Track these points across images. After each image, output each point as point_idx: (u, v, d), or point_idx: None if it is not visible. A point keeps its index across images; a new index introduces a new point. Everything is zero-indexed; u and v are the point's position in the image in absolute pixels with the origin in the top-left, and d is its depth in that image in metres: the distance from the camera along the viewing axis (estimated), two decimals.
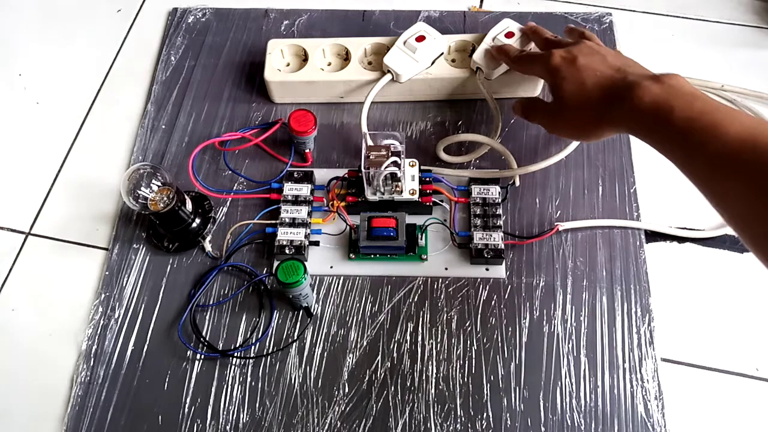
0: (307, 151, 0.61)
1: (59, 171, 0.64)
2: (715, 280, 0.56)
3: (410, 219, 0.56)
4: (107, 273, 0.57)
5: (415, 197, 0.56)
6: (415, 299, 0.55)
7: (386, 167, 0.52)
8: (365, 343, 0.53)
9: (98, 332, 0.54)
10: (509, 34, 0.60)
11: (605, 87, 0.46)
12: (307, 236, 0.56)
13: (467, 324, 0.53)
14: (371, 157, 0.53)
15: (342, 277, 0.56)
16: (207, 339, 0.53)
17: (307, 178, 0.59)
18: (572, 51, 0.50)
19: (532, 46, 0.59)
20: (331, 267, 0.56)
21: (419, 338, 0.53)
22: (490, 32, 0.61)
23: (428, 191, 0.57)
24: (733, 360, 0.52)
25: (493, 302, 0.54)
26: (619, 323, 0.53)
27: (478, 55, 0.60)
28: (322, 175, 0.60)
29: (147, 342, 0.54)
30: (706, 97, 0.41)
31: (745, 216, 0.37)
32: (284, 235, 0.56)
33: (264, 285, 0.56)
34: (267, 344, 0.53)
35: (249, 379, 0.52)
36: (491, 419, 0.50)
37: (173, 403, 0.51)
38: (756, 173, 0.35)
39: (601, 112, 0.46)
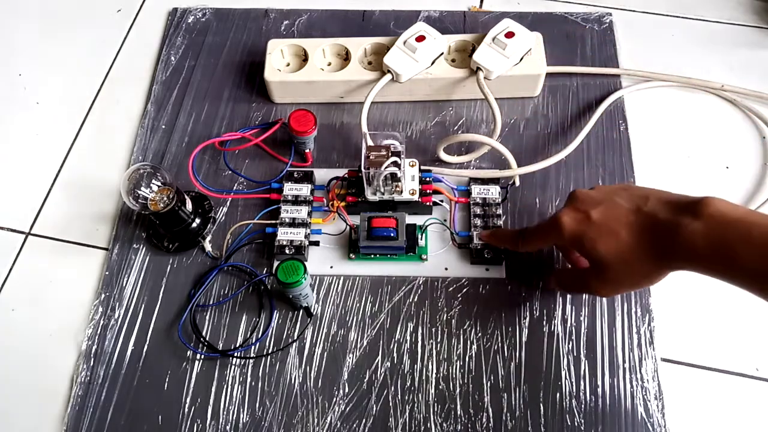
0: (307, 151, 0.61)
1: (59, 171, 0.64)
2: (715, 280, 0.56)
3: (410, 219, 0.56)
4: (107, 273, 0.57)
5: (415, 197, 0.56)
6: (415, 299, 0.55)
7: (386, 167, 0.52)
8: (365, 343, 0.53)
9: (98, 332, 0.54)
10: (509, 34, 0.60)
11: (641, 233, 0.41)
12: (307, 236, 0.56)
13: (467, 324, 0.53)
14: (371, 157, 0.52)
15: (342, 277, 0.56)
16: (207, 339, 0.53)
17: (307, 178, 0.59)
18: (577, 207, 0.45)
19: None
20: (331, 267, 0.56)
21: (419, 338, 0.53)
22: (490, 32, 0.61)
23: (428, 191, 0.57)
24: (733, 360, 0.52)
25: (493, 302, 0.54)
26: (619, 323, 0.53)
27: (478, 55, 0.60)
28: (322, 175, 0.60)
29: (147, 342, 0.54)
30: (757, 217, 0.38)
31: None
32: (284, 235, 0.56)
33: (264, 285, 0.56)
34: (267, 344, 0.53)
35: (249, 379, 0.52)
36: (491, 419, 0.50)
37: (173, 403, 0.51)
38: None
39: (653, 261, 0.41)
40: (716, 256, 0.38)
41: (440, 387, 0.51)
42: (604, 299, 0.54)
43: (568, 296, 0.54)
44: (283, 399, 0.51)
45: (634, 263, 0.42)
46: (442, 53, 0.62)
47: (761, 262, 0.36)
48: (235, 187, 0.61)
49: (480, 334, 0.53)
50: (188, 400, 0.51)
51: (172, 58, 0.70)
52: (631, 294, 0.54)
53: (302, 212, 0.57)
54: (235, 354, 0.53)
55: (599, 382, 0.51)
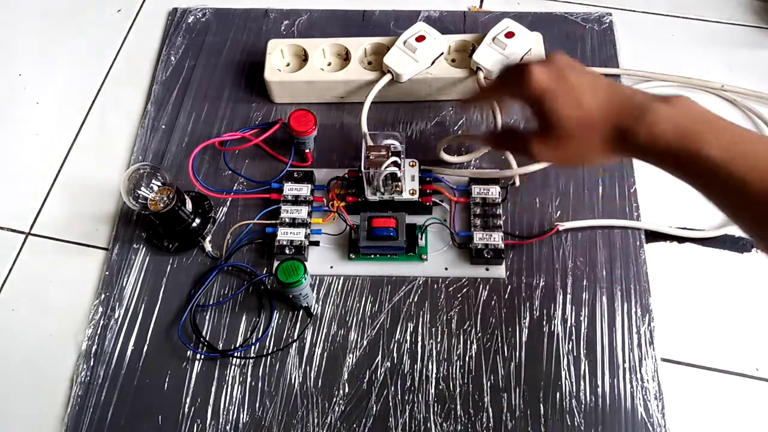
0: (307, 151, 0.61)
1: (59, 171, 0.64)
2: (715, 280, 0.56)
3: (410, 219, 0.56)
4: (107, 273, 0.57)
5: (415, 197, 0.56)
6: (415, 299, 0.55)
7: (386, 167, 0.52)
8: (365, 343, 0.53)
9: (98, 332, 0.54)
10: (509, 34, 0.60)
11: (607, 109, 0.40)
12: (307, 236, 0.56)
13: (467, 324, 0.53)
14: (371, 157, 0.52)
15: (342, 277, 0.56)
16: (207, 339, 0.53)
17: (307, 178, 0.59)
18: (556, 63, 0.42)
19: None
20: (331, 267, 0.56)
21: (419, 338, 0.53)
22: (490, 32, 0.61)
23: (428, 191, 0.57)
24: (733, 360, 0.52)
25: (493, 302, 0.54)
26: (619, 323, 0.53)
27: (478, 55, 0.60)
28: (322, 175, 0.60)
29: (147, 342, 0.54)
30: (729, 122, 0.37)
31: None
32: (284, 235, 0.56)
33: (264, 285, 0.56)
34: (267, 344, 0.53)
35: (249, 379, 0.52)
36: (491, 419, 0.50)
37: (173, 403, 0.51)
38: None
39: (608, 138, 0.40)
40: (681, 143, 0.36)
41: (440, 387, 0.51)
42: (604, 299, 0.54)
43: (569, 296, 0.54)
44: (283, 399, 0.51)
45: (589, 134, 0.40)
46: (442, 53, 0.62)
47: (723, 156, 0.35)
48: (235, 187, 0.61)
49: (480, 334, 0.53)
50: (188, 400, 0.51)
51: (172, 58, 0.70)
52: (631, 294, 0.54)
53: (302, 212, 0.57)
54: (235, 354, 0.53)
55: (599, 382, 0.51)
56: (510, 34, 0.60)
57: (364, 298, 0.55)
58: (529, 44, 0.61)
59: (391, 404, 0.51)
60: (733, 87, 0.65)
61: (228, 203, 0.60)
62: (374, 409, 0.50)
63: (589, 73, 0.42)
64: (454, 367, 0.52)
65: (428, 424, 0.50)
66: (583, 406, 0.50)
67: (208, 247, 0.57)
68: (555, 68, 0.42)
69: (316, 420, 0.50)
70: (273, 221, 0.57)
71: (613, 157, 0.42)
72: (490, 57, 0.60)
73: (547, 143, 0.43)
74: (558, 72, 0.41)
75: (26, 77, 0.71)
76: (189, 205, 0.56)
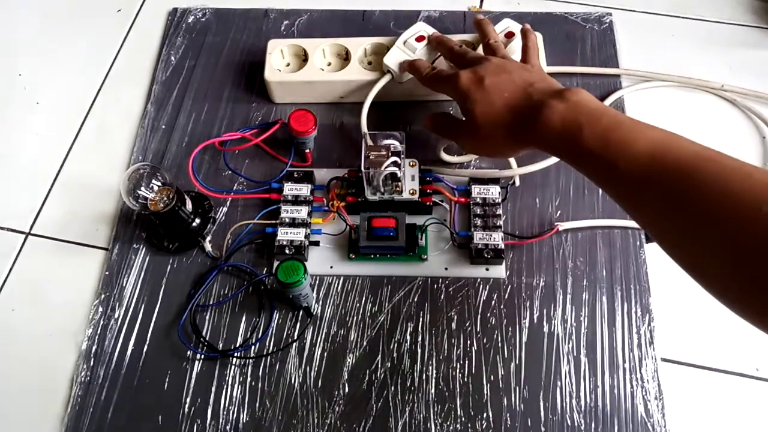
0: (307, 151, 0.61)
1: (59, 171, 0.64)
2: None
3: (410, 219, 0.56)
4: (107, 273, 0.57)
5: (415, 197, 0.56)
6: (415, 299, 0.55)
7: (386, 167, 0.52)
8: (365, 343, 0.53)
9: (98, 332, 0.54)
10: (509, 34, 0.60)
11: (513, 107, 0.47)
12: (307, 236, 0.56)
13: (467, 324, 0.53)
14: (371, 157, 0.52)
15: (342, 277, 0.56)
16: (207, 339, 0.53)
17: (307, 178, 0.59)
18: (478, 71, 0.50)
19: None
20: (331, 267, 0.56)
21: (419, 338, 0.53)
22: (490, 32, 0.61)
23: (428, 191, 0.57)
24: (733, 360, 0.52)
25: (493, 302, 0.54)
26: (619, 323, 0.53)
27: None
28: (322, 175, 0.60)
29: (147, 342, 0.54)
30: (611, 111, 0.42)
31: (661, 228, 0.38)
32: (284, 235, 0.56)
33: (264, 285, 0.56)
34: (267, 344, 0.53)
35: (249, 379, 0.52)
36: (491, 419, 0.50)
37: (173, 403, 0.51)
38: (665, 187, 0.37)
39: (513, 134, 0.47)
40: (565, 133, 0.42)
41: (440, 387, 0.51)
42: (604, 299, 0.54)
43: (569, 296, 0.54)
44: (283, 399, 0.51)
45: (496, 132, 0.48)
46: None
47: (597, 144, 0.40)
48: (235, 187, 0.61)
49: (480, 334, 0.53)
50: (188, 400, 0.51)
51: (172, 58, 0.70)
52: (631, 294, 0.54)
53: (302, 212, 0.57)
54: (235, 354, 0.53)
55: (599, 382, 0.51)
56: (510, 34, 0.60)
57: (364, 298, 0.55)
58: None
59: (391, 404, 0.51)
60: (733, 87, 0.65)
61: (228, 203, 0.60)
62: (374, 409, 0.50)
63: (507, 73, 0.49)
64: (454, 367, 0.52)
65: (428, 424, 0.50)
66: (583, 406, 0.50)
67: (208, 247, 0.57)
68: (477, 75, 0.49)
69: (316, 420, 0.50)
70: (273, 221, 0.57)
71: (520, 149, 0.50)
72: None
73: (468, 135, 0.51)
74: (478, 78, 0.49)
75: (26, 77, 0.71)
76: (189, 205, 0.56)
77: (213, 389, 0.52)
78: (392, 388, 0.51)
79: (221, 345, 0.53)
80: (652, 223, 0.39)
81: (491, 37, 0.56)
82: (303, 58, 0.64)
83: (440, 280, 0.55)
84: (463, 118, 0.51)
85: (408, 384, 0.51)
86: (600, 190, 0.59)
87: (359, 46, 0.64)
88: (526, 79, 0.48)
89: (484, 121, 0.48)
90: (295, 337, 0.53)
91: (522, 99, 0.47)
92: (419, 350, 0.53)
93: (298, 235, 0.56)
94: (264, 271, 0.56)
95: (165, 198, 0.53)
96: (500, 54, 0.54)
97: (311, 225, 0.57)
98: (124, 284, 0.56)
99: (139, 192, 0.53)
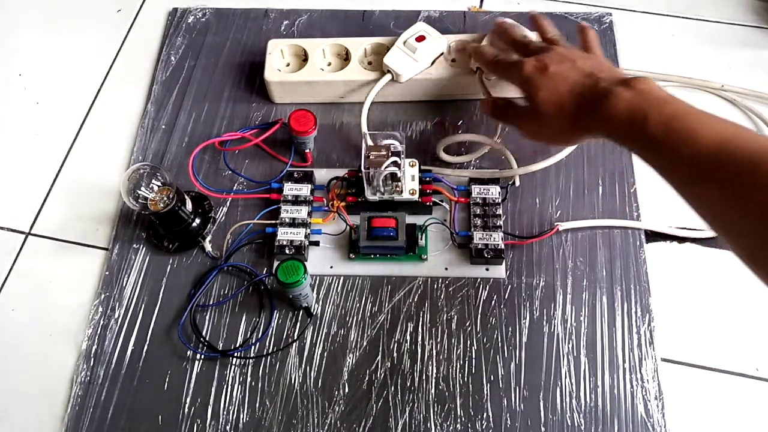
0: (307, 151, 0.61)
1: (59, 171, 0.64)
2: (715, 280, 0.56)
3: (410, 219, 0.56)
4: (107, 273, 0.57)
5: (415, 197, 0.56)
6: (415, 299, 0.55)
7: (386, 167, 0.52)
8: (365, 343, 0.53)
9: (98, 332, 0.54)
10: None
11: (578, 94, 0.47)
12: (307, 236, 0.56)
13: (467, 324, 0.53)
14: (371, 157, 0.52)
15: (342, 277, 0.56)
16: (207, 339, 0.53)
17: (307, 178, 0.59)
18: (543, 59, 0.50)
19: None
20: (331, 267, 0.56)
21: (419, 338, 0.53)
22: (490, 32, 0.61)
23: (428, 191, 0.57)
24: (733, 360, 0.52)
25: (493, 302, 0.54)
26: (619, 323, 0.53)
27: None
28: (322, 175, 0.60)
29: (147, 342, 0.54)
30: (678, 100, 0.42)
31: (722, 218, 0.38)
32: (284, 235, 0.56)
33: (264, 285, 0.56)
34: (267, 344, 0.53)
35: (249, 379, 0.52)
36: (491, 419, 0.50)
37: (173, 403, 0.51)
38: (730, 178, 0.37)
39: (576, 120, 0.47)
40: (630, 120, 0.42)
41: (440, 387, 0.51)
42: (604, 299, 0.54)
43: (569, 296, 0.54)
44: (283, 399, 0.51)
45: (559, 118, 0.48)
46: (442, 53, 0.62)
47: (661, 131, 0.40)
48: (235, 187, 0.61)
49: (480, 334, 0.53)
50: (188, 400, 0.51)
51: (172, 58, 0.70)
52: (631, 294, 0.54)
53: (302, 212, 0.57)
54: (235, 354, 0.53)
55: (599, 382, 0.51)
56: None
57: (364, 298, 0.55)
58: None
59: (391, 404, 0.51)
60: (733, 87, 0.65)
61: (228, 203, 0.60)
62: (374, 409, 0.50)
63: (572, 61, 0.49)
64: (454, 367, 0.52)
65: (428, 424, 0.50)
66: (583, 406, 0.50)
67: (208, 247, 0.57)
68: (542, 62, 0.49)
69: (316, 420, 0.50)
70: (273, 221, 0.57)
71: (582, 137, 0.49)
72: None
73: (530, 122, 0.51)
74: (542, 65, 0.49)
75: (26, 77, 0.71)
76: (189, 205, 0.56)
77: (213, 389, 0.52)
78: (392, 388, 0.51)
79: (221, 345, 0.53)
80: (713, 213, 0.39)
81: (548, 31, 0.56)
82: (303, 58, 0.64)
83: (440, 280, 0.55)
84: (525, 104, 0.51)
85: (408, 384, 0.51)
86: (600, 190, 0.59)
87: (359, 46, 0.64)
88: (591, 66, 0.48)
89: (547, 108, 0.48)
90: (295, 337, 0.53)
91: (587, 86, 0.46)
92: (419, 350, 0.53)
93: (298, 235, 0.56)
94: (264, 271, 0.56)
95: (165, 198, 0.53)
96: (561, 44, 0.53)
97: (311, 225, 0.57)
98: (124, 284, 0.56)
99: (139, 192, 0.53)
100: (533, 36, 0.61)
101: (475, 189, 0.58)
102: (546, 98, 0.48)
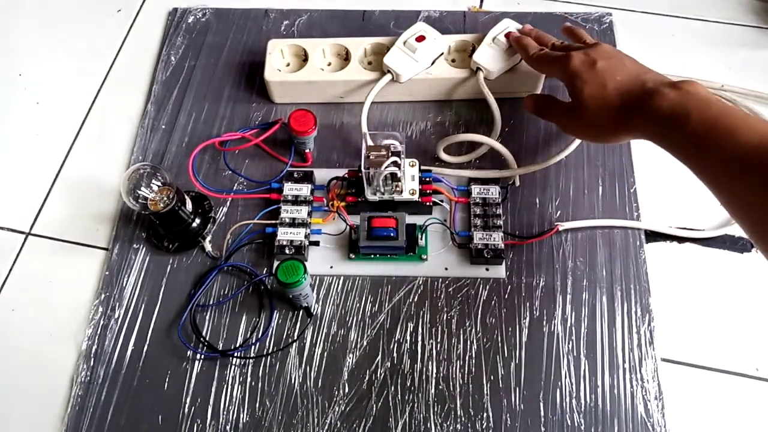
0: (307, 151, 0.61)
1: (59, 171, 0.64)
2: (715, 280, 0.56)
3: (410, 219, 0.56)
4: (107, 273, 0.57)
5: (415, 197, 0.56)
6: (415, 299, 0.55)
7: (386, 167, 0.52)
8: (365, 343, 0.53)
9: (98, 332, 0.54)
10: (509, 34, 0.60)
11: (624, 92, 0.46)
12: (307, 236, 0.56)
13: (467, 324, 0.53)
14: (371, 157, 0.52)
15: (342, 277, 0.56)
16: (207, 339, 0.53)
17: (307, 178, 0.59)
18: (591, 54, 0.50)
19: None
20: (331, 267, 0.56)
21: (419, 338, 0.53)
22: (490, 32, 0.61)
23: (428, 191, 0.57)
24: (733, 360, 0.52)
25: (493, 302, 0.54)
26: (619, 323, 0.53)
27: (478, 55, 0.60)
28: (322, 175, 0.60)
29: (147, 342, 0.54)
30: (723, 103, 0.42)
31: (757, 217, 0.38)
32: (284, 235, 0.56)
33: (264, 285, 0.56)
34: (267, 344, 0.53)
35: (249, 379, 0.52)
36: (491, 419, 0.50)
37: (173, 403, 0.51)
38: None
39: (620, 118, 0.46)
40: (673, 119, 0.42)
41: (440, 387, 0.51)
42: (604, 299, 0.54)
43: (569, 296, 0.54)
44: (283, 399, 0.51)
45: (603, 115, 0.47)
46: (442, 53, 0.62)
47: (703, 128, 0.41)
48: (235, 187, 0.61)
49: (480, 334, 0.53)
50: (188, 400, 0.51)
51: (172, 58, 0.70)
52: (631, 294, 0.54)
53: (302, 212, 0.57)
54: (235, 354, 0.53)
55: (599, 382, 0.51)
56: (510, 34, 0.60)
57: (364, 298, 0.55)
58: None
59: (391, 404, 0.51)
60: (733, 87, 0.65)
61: (228, 203, 0.60)
62: (374, 409, 0.50)
63: (619, 59, 0.49)
64: (454, 367, 0.52)
65: (428, 424, 0.50)
66: (583, 406, 0.50)
67: (208, 247, 0.57)
68: (590, 57, 0.49)
69: (316, 420, 0.50)
70: (273, 221, 0.57)
71: (623, 136, 0.48)
72: (490, 57, 0.60)
73: (573, 117, 0.50)
74: (590, 60, 0.49)
75: (26, 77, 0.71)
76: (189, 205, 0.56)
77: (213, 389, 0.52)
78: (392, 388, 0.51)
79: (221, 345, 0.53)
80: (748, 211, 0.39)
81: (586, 38, 0.55)
82: (303, 58, 0.64)
83: (440, 280, 0.55)
84: (569, 100, 0.51)
85: (408, 384, 0.51)
86: (600, 190, 0.59)
87: (359, 46, 0.64)
88: (638, 67, 0.49)
89: (592, 103, 0.48)
90: (295, 337, 0.53)
91: (634, 85, 0.46)
92: (419, 350, 0.53)
93: (298, 235, 0.56)
94: (264, 271, 0.56)
95: (165, 198, 0.53)
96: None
97: (311, 225, 0.57)
98: (124, 284, 0.56)
99: (139, 192, 0.53)
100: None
101: (475, 189, 0.58)
102: (592, 93, 0.48)
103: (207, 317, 0.55)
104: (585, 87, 0.48)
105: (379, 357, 0.52)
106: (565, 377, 0.51)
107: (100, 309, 0.55)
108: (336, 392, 0.51)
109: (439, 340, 0.53)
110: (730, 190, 0.40)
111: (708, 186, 0.41)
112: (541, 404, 0.50)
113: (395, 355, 0.52)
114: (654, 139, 0.45)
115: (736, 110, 0.41)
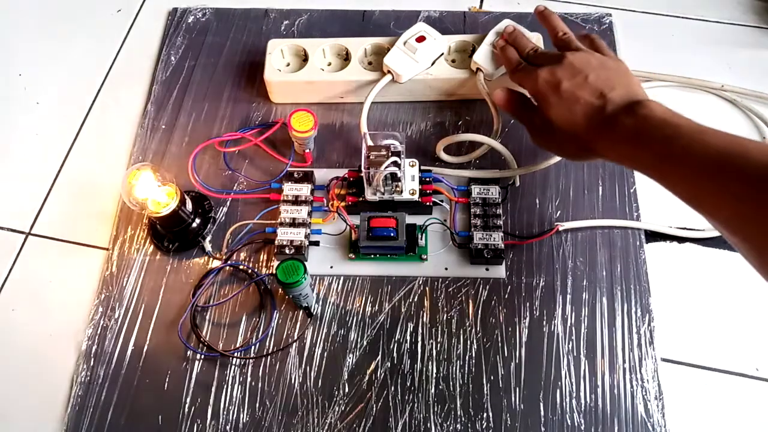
0: (307, 151, 0.61)
1: (59, 171, 0.64)
2: (715, 280, 0.56)
3: (410, 219, 0.56)
4: (107, 273, 0.57)
5: (415, 197, 0.56)
6: (415, 299, 0.55)
7: (386, 167, 0.52)
8: (365, 343, 0.53)
9: (98, 332, 0.54)
10: (498, 43, 0.60)
11: (589, 118, 0.46)
12: (307, 236, 0.56)
13: (467, 324, 0.53)
14: (371, 157, 0.53)
15: (342, 277, 0.56)
16: (207, 339, 0.53)
17: (307, 178, 0.59)
18: (556, 73, 0.49)
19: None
20: (331, 267, 0.56)
21: (419, 338, 0.53)
22: (490, 32, 0.61)
23: (428, 191, 0.57)
24: (733, 360, 0.52)
25: (493, 302, 0.54)
26: (619, 323, 0.53)
27: (478, 56, 0.60)
28: (322, 175, 0.60)
29: (147, 342, 0.54)
30: (675, 121, 0.42)
31: (736, 227, 0.39)
32: (284, 235, 0.56)
33: (264, 285, 0.56)
34: (267, 344, 0.53)
35: (249, 379, 0.52)
36: (491, 419, 0.50)
37: (173, 403, 0.51)
38: (740, 178, 0.37)
39: (586, 143, 0.47)
40: (631, 150, 0.44)
41: (440, 387, 0.51)
42: (604, 299, 0.54)
43: (569, 296, 0.54)
44: (283, 399, 0.51)
45: (568, 137, 0.48)
46: (442, 54, 0.62)
47: (665, 150, 0.41)
48: (235, 187, 0.61)
49: (480, 334, 0.53)
50: (188, 400, 0.51)
51: (172, 58, 0.70)
52: (631, 294, 0.54)
53: (302, 212, 0.57)
54: (235, 354, 0.53)
55: (599, 382, 0.51)
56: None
57: (364, 298, 0.55)
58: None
59: (391, 404, 0.51)
60: (733, 87, 0.65)
61: (228, 203, 0.60)
62: (374, 409, 0.50)
63: (583, 76, 0.48)
64: (454, 367, 0.52)
65: (428, 424, 0.50)
66: (583, 406, 0.50)
67: (208, 247, 0.57)
68: (555, 78, 0.49)
69: (316, 420, 0.50)
70: (273, 221, 0.57)
71: (586, 157, 0.49)
72: (490, 57, 0.60)
73: (539, 131, 0.52)
74: (555, 82, 0.48)
75: (26, 77, 0.71)
76: (189, 205, 0.56)
77: (213, 389, 0.52)
78: (392, 388, 0.51)
79: (221, 345, 0.53)
80: (724, 220, 0.39)
81: (560, 29, 0.54)
82: (303, 58, 0.64)
83: (440, 280, 0.55)
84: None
85: (408, 384, 0.51)
86: (600, 190, 0.60)
87: (359, 46, 0.64)
88: (603, 81, 0.47)
89: (558, 126, 0.48)
90: (295, 337, 0.53)
91: (596, 109, 0.46)
92: (419, 350, 0.53)
93: (298, 235, 0.56)
94: (264, 271, 0.56)
95: (165, 198, 0.53)
96: (573, 46, 0.52)
97: (311, 225, 0.57)
98: (124, 284, 0.56)
99: (139, 192, 0.53)
100: (533, 37, 0.61)
101: (475, 189, 0.58)
102: (557, 116, 0.48)
103: (207, 317, 0.55)
104: (551, 110, 0.48)
105: (379, 357, 0.52)
106: (565, 377, 0.51)
107: (100, 309, 0.55)
108: (336, 392, 0.51)
109: (439, 340, 0.53)
110: (701, 194, 0.40)
111: (677, 195, 0.42)
112: (541, 404, 0.50)
113: (395, 355, 0.52)
114: (615, 162, 0.46)
115: (694, 124, 0.41)
